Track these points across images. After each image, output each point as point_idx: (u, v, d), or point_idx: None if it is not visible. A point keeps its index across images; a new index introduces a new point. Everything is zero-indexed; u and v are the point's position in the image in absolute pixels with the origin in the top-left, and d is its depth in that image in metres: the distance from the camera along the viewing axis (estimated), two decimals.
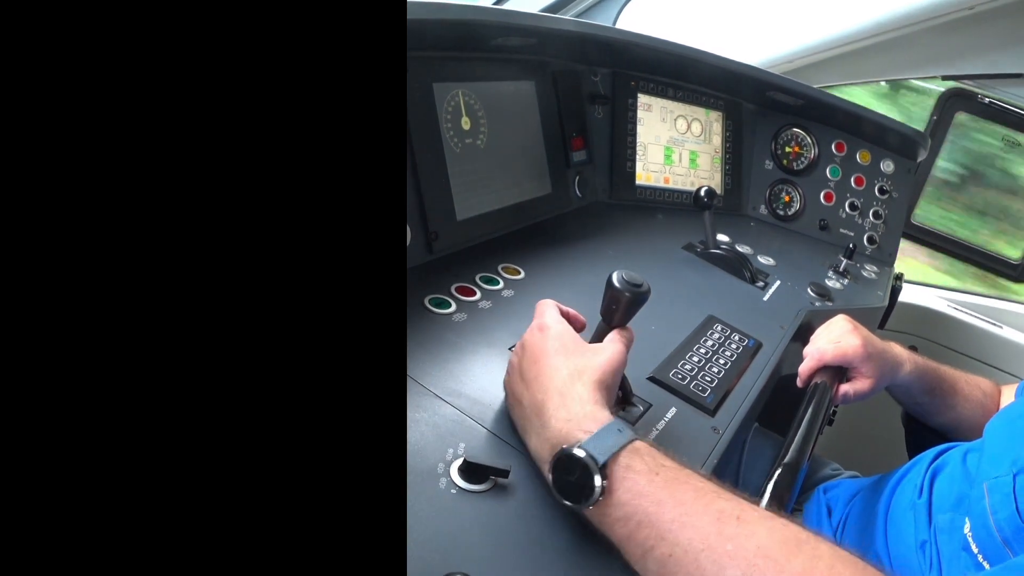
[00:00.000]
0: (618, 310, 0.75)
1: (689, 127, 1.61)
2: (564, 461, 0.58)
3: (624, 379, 0.78)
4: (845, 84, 1.85)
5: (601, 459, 0.57)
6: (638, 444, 0.59)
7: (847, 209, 1.68)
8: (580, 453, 0.58)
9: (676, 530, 0.54)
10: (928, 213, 1.98)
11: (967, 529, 0.76)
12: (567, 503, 0.59)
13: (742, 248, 1.42)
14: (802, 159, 1.69)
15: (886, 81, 1.97)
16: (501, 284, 0.99)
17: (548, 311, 0.73)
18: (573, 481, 0.58)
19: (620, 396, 0.81)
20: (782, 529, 0.54)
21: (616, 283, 0.74)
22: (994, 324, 1.90)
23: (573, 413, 0.62)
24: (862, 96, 2.10)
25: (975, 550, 0.74)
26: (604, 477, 0.57)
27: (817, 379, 1.03)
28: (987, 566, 0.72)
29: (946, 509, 0.86)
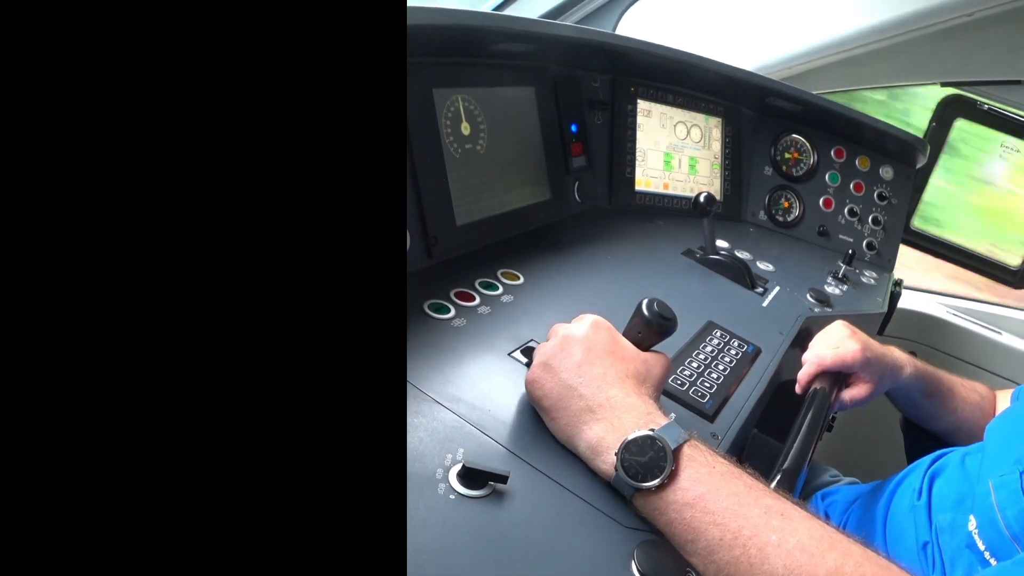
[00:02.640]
0: (643, 337, 0.75)
1: (688, 133, 1.61)
2: (639, 442, 0.63)
3: None
4: (844, 90, 1.85)
5: (673, 445, 0.62)
6: (696, 441, 0.65)
7: (846, 215, 1.68)
8: (657, 438, 0.63)
9: (728, 518, 0.59)
10: None
11: (972, 527, 0.77)
12: (631, 482, 0.62)
13: (741, 254, 1.42)
14: (801, 165, 1.69)
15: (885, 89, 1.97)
16: (500, 289, 0.99)
17: (592, 316, 0.76)
18: (644, 462, 0.62)
19: None
20: (819, 528, 0.59)
21: (646, 312, 0.75)
22: (993, 330, 1.90)
23: (643, 411, 0.67)
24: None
25: (981, 547, 0.74)
26: (673, 462, 0.62)
27: (816, 385, 1.03)
28: (994, 562, 0.73)
29: (946, 509, 0.87)
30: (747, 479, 0.63)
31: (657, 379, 0.73)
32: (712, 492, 0.61)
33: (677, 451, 0.62)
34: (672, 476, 0.61)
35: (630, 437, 0.63)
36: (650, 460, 0.62)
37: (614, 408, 0.67)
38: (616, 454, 0.63)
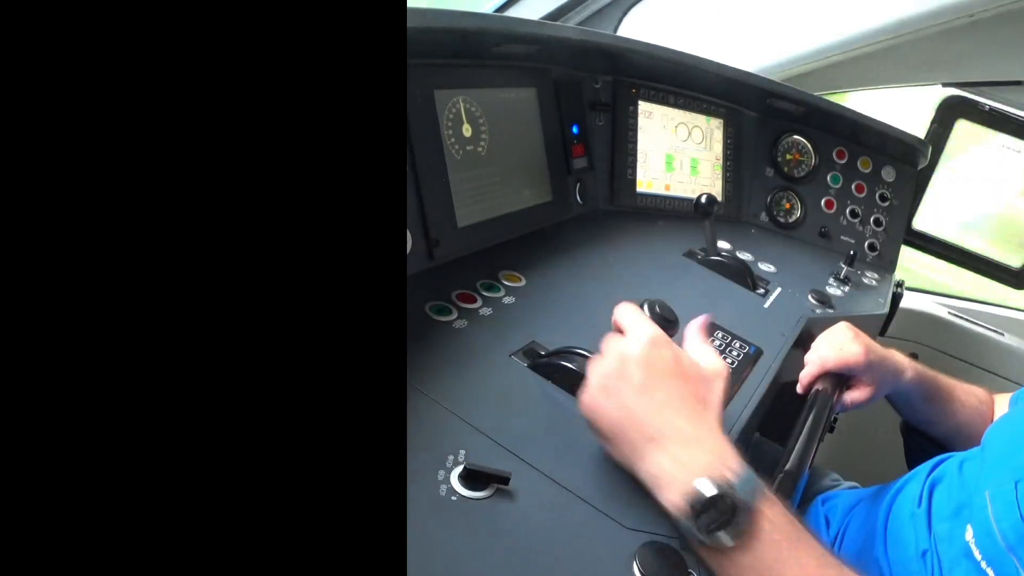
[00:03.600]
0: None
1: (690, 134, 1.61)
2: (712, 495, 0.59)
3: None
4: (845, 91, 1.85)
5: (750, 503, 0.59)
6: (768, 494, 0.62)
7: (848, 216, 1.68)
8: (733, 493, 0.59)
9: None
10: None
11: (969, 536, 0.77)
12: (699, 535, 0.59)
13: (743, 255, 1.42)
14: (803, 166, 1.69)
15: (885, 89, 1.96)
16: (502, 291, 0.99)
17: (643, 320, 0.71)
18: (715, 516, 0.58)
19: None
20: None
21: (648, 314, 0.74)
22: (995, 331, 1.89)
23: (714, 447, 0.63)
24: None
25: (978, 557, 0.74)
26: (747, 521, 0.59)
27: (818, 386, 1.03)
28: (991, 572, 0.73)
29: (945, 518, 0.87)
30: (816, 548, 0.61)
31: (719, 394, 0.69)
32: (780, 563, 0.59)
33: (751, 509, 0.59)
34: (743, 535, 0.58)
35: (703, 488, 0.59)
36: (722, 515, 0.58)
37: (680, 441, 0.63)
38: (686, 500, 0.60)
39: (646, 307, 0.75)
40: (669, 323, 0.75)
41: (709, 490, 0.59)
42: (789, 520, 0.61)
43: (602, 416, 0.67)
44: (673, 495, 0.61)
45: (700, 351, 0.72)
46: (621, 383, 0.66)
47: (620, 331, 0.71)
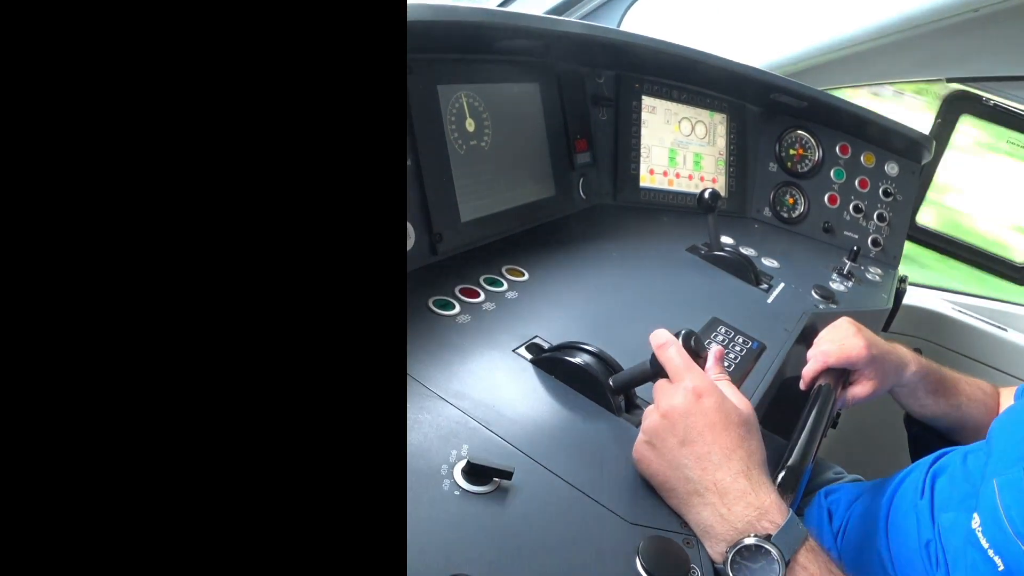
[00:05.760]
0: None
1: (693, 129, 1.61)
2: (752, 549, 0.61)
3: (631, 382, 0.79)
4: (850, 87, 1.84)
5: (787, 555, 0.61)
6: (812, 543, 0.63)
7: (851, 211, 1.68)
8: (771, 548, 0.61)
9: None
10: None
11: (976, 524, 0.76)
12: None
13: (746, 250, 1.42)
14: (806, 161, 1.69)
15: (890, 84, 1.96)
16: (505, 286, 0.99)
17: (690, 369, 0.71)
18: (755, 568, 0.61)
19: (625, 399, 0.81)
20: None
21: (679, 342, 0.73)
22: (999, 327, 1.89)
23: (760, 502, 0.64)
24: None
25: (985, 545, 0.74)
26: (785, 574, 0.61)
27: (821, 381, 1.03)
28: (998, 560, 0.73)
29: (949, 508, 0.87)
30: None
31: (756, 433, 0.70)
32: None
33: (791, 562, 0.61)
34: None
35: (745, 542, 0.62)
36: (761, 569, 0.61)
37: (722, 494, 0.64)
38: (727, 552, 0.62)
39: (681, 337, 0.74)
40: (698, 357, 0.74)
41: (748, 546, 0.61)
42: (829, 571, 0.62)
43: (650, 469, 0.69)
44: (716, 547, 0.63)
45: (729, 390, 0.73)
46: (666, 439, 0.68)
47: (663, 366, 0.73)
